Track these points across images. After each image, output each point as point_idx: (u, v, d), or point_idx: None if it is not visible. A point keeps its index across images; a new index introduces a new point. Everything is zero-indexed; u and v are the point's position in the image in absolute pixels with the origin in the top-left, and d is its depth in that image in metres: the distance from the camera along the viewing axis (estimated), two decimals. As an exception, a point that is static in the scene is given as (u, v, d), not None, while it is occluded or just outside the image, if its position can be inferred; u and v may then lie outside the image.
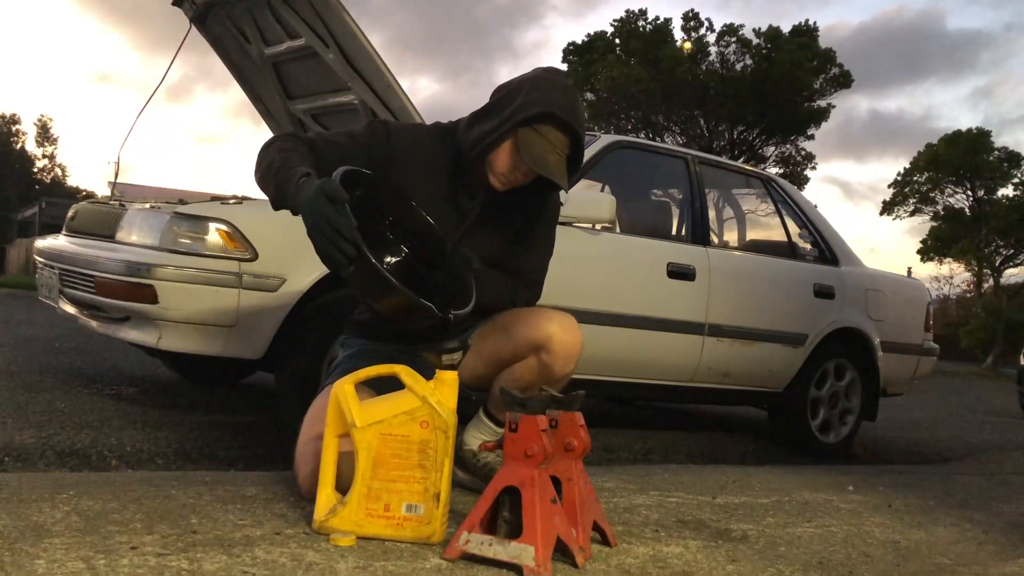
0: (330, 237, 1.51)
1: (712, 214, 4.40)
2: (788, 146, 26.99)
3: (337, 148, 1.82)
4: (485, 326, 1.92)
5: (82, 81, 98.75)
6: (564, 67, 28.42)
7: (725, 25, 25.85)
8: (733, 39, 25.71)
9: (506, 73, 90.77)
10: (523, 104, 1.76)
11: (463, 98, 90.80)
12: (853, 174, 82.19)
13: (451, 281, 1.80)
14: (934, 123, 74.10)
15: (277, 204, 1.68)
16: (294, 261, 2.71)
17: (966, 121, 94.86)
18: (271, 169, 1.68)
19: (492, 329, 1.91)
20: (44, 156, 46.11)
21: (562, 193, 2.04)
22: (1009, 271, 30.54)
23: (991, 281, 30.86)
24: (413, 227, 1.80)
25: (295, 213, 1.62)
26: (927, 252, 31.79)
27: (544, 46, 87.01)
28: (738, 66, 25.71)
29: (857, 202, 78.35)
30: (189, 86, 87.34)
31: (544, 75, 1.83)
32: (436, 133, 1.94)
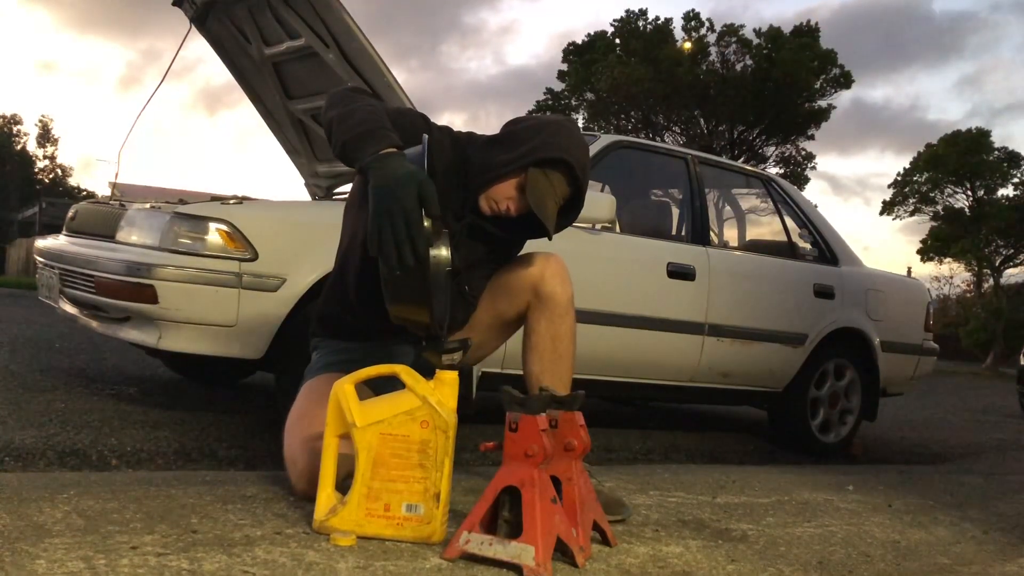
0: (399, 236, 1.46)
1: (712, 214, 4.40)
2: (788, 146, 27.00)
3: (403, 130, 1.70)
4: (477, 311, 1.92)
5: (27, 71, 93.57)
6: (564, 67, 28.47)
7: (725, 25, 25.86)
8: (734, 39, 25.69)
9: (457, 54, 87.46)
10: (542, 144, 1.75)
11: (418, 80, 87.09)
12: (840, 168, 79.22)
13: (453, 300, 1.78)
14: (922, 114, 71.89)
15: (346, 151, 1.60)
16: (294, 261, 2.72)
17: (954, 111, 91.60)
18: (355, 115, 1.60)
19: (483, 303, 1.91)
20: (45, 156, 46.14)
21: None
22: (1009, 271, 30.50)
23: (991, 281, 30.85)
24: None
25: (360, 172, 1.55)
26: (927, 252, 31.78)
27: (509, 31, 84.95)
28: (738, 66, 25.69)
29: (846, 198, 75.65)
30: (136, 75, 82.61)
31: (566, 124, 1.84)
32: (454, 142, 1.88)
